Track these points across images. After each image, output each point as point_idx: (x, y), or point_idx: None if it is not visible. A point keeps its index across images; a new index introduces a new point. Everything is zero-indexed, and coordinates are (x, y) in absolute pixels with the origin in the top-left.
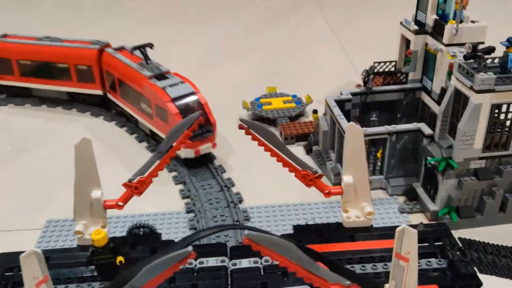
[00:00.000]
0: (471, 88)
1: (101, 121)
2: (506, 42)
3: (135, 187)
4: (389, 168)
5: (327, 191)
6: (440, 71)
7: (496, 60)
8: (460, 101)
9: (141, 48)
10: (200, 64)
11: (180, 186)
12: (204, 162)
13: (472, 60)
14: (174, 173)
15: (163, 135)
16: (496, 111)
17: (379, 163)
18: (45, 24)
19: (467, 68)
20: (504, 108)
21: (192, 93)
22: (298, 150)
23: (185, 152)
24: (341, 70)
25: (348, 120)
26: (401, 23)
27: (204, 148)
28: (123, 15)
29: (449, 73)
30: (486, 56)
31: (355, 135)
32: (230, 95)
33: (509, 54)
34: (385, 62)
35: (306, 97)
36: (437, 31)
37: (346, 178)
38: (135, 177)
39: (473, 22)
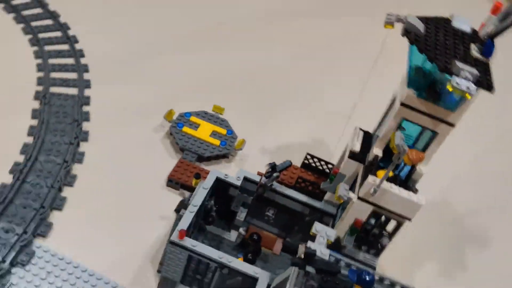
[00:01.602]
0: None
1: None
2: (353, 275)
3: None
4: None
5: None
6: (345, 221)
7: None
8: None
9: None
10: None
11: None
12: None
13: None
14: None
15: None
16: None
17: None
18: None
19: None
20: None
21: None
22: (175, 200)
23: None
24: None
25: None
26: (358, 128)
27: None
28: None
29: (352, 230)
30: None
31: None
32: (164, 97)
33: None
34: (320, 161)
35: (239, 142)
36: (367, 172)
37: None
38: None
39: (412, 190)
